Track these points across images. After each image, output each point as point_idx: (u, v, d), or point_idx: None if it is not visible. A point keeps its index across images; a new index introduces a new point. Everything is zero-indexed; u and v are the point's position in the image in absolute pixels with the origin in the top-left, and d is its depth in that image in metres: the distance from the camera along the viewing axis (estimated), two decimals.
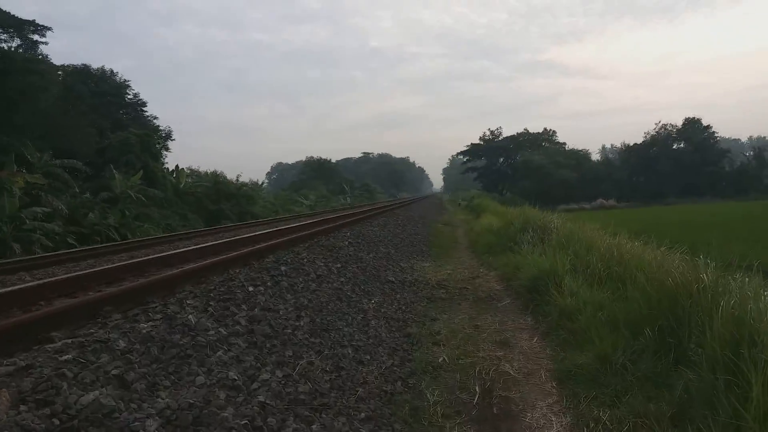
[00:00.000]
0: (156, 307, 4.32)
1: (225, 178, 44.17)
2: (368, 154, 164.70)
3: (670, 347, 4.56)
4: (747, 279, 4.71)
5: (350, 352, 5.09)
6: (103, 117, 38.09)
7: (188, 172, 44.15)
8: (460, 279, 10.51)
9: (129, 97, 42.35)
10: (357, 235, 11.76)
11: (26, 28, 29.41)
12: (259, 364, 3.97)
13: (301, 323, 5.12)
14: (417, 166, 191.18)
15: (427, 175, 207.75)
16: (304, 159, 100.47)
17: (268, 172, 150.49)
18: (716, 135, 74.50)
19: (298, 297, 5.75)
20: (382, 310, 6.95)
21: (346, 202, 62.39)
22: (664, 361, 4.49)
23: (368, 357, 5.18)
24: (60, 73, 37.80)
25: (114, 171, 30.88)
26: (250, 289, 5.32)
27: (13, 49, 26.96)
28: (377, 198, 76.55)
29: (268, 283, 5.73)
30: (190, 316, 4.16)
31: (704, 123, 73.78)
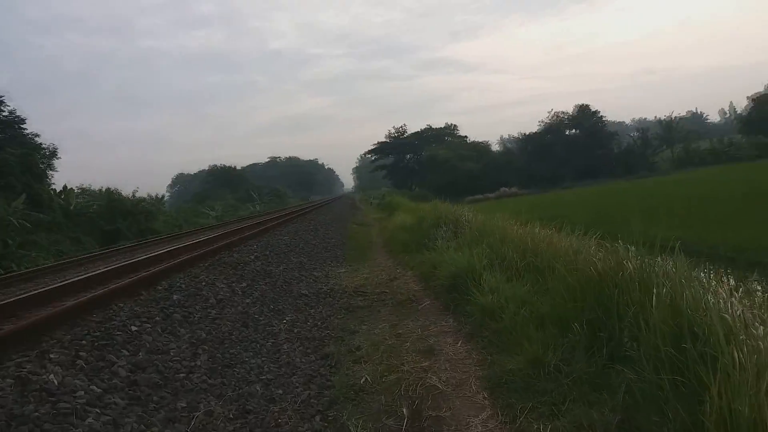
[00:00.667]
0: (9, 368, 3.48)
1: (120, 194, 41.36)
2: (276, 158, 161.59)
3: (603, 342, 4.28)
4: (672, 262, 4.52)
5: (259, 389, 4.45)
6: None
7: (79, 191, 41.00)
8: (378, 283, 10.04)
9: (4, 114, 38.59)
10: (265, 246, 11.01)
11: None
12: (143, 427, 3.26)
13: (198, 362, 4.43)
14: (327, 167, 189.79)
15: (337, 175, 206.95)
16: (207, 168, 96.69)
17: (169, 185, 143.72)
18: (604, 119, 79.10)
19: (194, 330, 5.03)
20: (296, 331, 6.33)
21: (256, 210, 60.52)
22: (597, 359, 4.20)
23: (280, 391, 4.56)
24: None
25: None
26: (134, 328, 4.54)
27: None
28: (288, 202, 74.92)
29: (157, 318, 4.96)
30: (51, 376, 3.37)
31: (593, 109, 78.19)
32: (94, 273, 8.11)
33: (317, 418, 4.28)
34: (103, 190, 42.67)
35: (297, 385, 4.83)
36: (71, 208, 37.49)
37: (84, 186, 41.66)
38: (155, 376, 3.87)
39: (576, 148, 73.03)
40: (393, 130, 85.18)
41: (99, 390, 3.44)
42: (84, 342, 4.05)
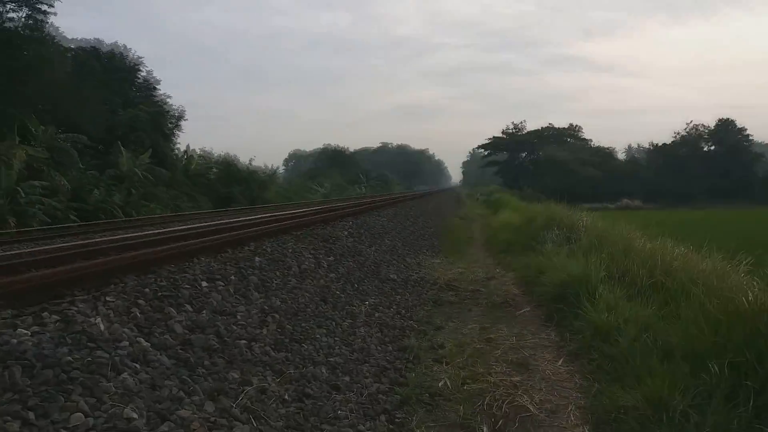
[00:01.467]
0: (61, 306, 3.21)
1: (236, 162, 43.28)
2: (386, 144, 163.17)
3: (750, 393, 3.35)
4: None
5: (324, 371, 3.95)
6: (114, 94, 37.28)
7: (200, 154, 43.37)
8: (472, 279, 9.32)
9: (142, 74, 41.54)
10: (361, 225, 10.61)
11: None
12: (182, 394, 2.84)
13: (265, 331, 4.00)
14: (435, 158, 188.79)
15: (446, 167, 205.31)
16: (321, 147, 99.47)
17: (286, 159, 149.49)
18: (750, 137, 71.99)
19: (269, 296, 4.63)
20: (376, 315, 5.80)
21: (361, 192, 61.32)
22: (741, 412, 3.28)
23: (347, 379, 4.04)
24: (72, 47, 37.11)
25: (122, 148, 30.06)
26: (204, 284, 4.20)
27: (21, 19, 25.91)
28: (393, 189, 75.34)
29: (232, 277, 4.61)
30: (98, 320, 3.05)
31: (738, 125, 71.37)
32: (190, 227, 8.10)
33: (382, 417, 3.71)
34: (222, 155, 44.89)
35: (367, 375, 4.28)
36: (191, 168, 39.80)
37: (205, 150, 44.03)
38: (213, 339, 3.48)
39: (713, 166, 67.25)
40: (511, 126, 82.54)
41: (146, 344, 3.08)
42: (147, 290, 3.75)
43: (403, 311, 6.38)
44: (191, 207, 32.89)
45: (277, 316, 4.32)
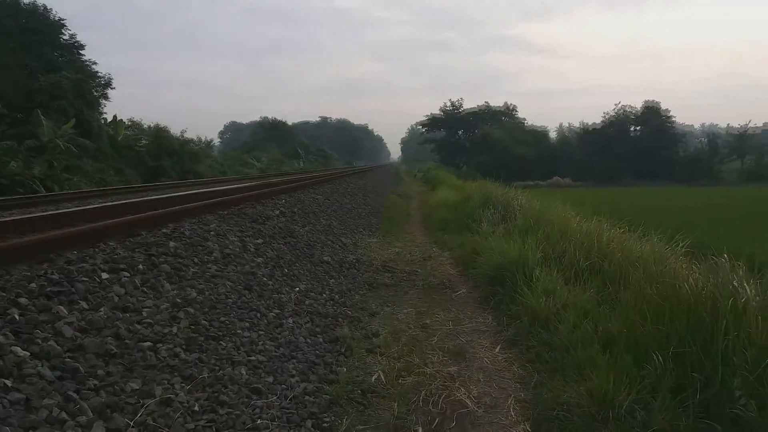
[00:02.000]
0: None
1: (168, 133, 41.31)
2: (326, 118, 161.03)
3: (697, 386, 3.21)
4: None
5: (244, 373, 3.55)
6: (33, 57, 34.58)
7: (129, 124, 41.11)
8: (409, 260, 9.07)
9: (64, 38, 38.64)
10: (295, 203, 10.13)
11: None
12: (64, 415, 2.39)
13: (175, 329, 3.54)
14: (376, 134, 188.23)
15: (385, 144, 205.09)
16: (258, 119, 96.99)
17: (221, 131, 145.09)
18: (673, 119, 75.41)
19: (183, 287, 4.15)
20: (307, 303, 5.41)
21: (299, 167, 60.27)
22: (689, 408, 3.14)
23: (270, 379, 3.65)
24: None
25: (42, 117, 27.92)
26: (104, 276, 3.68)
27: None
28: (333, 164, 74.51)
29: (141, 266, 4.09)
30: None
31: (662, 107, 74.61)
32: (105, 204, 7.43)
33: (309, 423, 3.36)
34: (152, 126, 42.79)
35: (294, 373, 3.91)
36: (119, 139, 37.72)
37: (134, 120, 41.84)
38: (111, 342, 3.01)
39: (638, 147, 70.16)
40: (449, 104, 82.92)
41: (23, 354, 2.59)
42: (33, 285, 3.21)
43: (337, 297, 6.02)
44: (118, 181, 31.20)
45: (191, 310, 3.86)
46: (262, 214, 7.85)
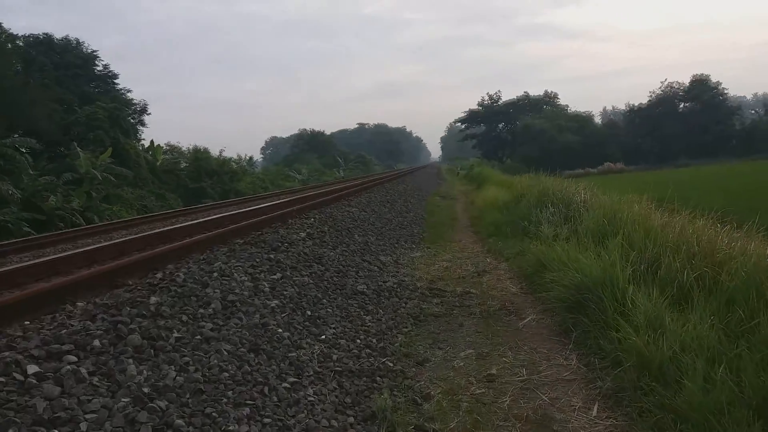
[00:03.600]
0: None
1: (207, 153, 41.22)
2: (364, 124, 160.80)
3: None
4: None
5: None
6: (69, 91, 34.89)
7: (167, 148, 41.19)
8: (460, 276, 7.80)
9: (98, 69, 39.02)
10: (326, 219, 8.99)
11: None
12: None
13: None
14: (414, 135, 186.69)
15: (425, 144, 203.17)
16: (297, 132, 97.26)
17: (263, 147, 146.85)
18: (725, 91, 71.39)
19: (156, 367, 3.01)
20: (335, 359, 4.21)
21: (339, 175, 59.68)
22: None
23: None
24: (19, 44, 34.57)
25: (78, 149, 27.88)
26: (31, 370, 2.56)
27: None
28: (373, 169, 73.65)
29: (96, 343, 2.97)
30: None
31: (712, 80, 70.74)
32: (102, 245, 6.51)
33: None
34: (191, 148, 42.81)
35: None
36: (158, 164, 37.75)
37: (172, 144, 41.92)
38: None
39: (690, 124, 66.76)
40: (486, 98, 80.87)
41: None
42: None
43: (374, 341, 4.80)
44: (159, 206, 31.12)
45: (162, 404, 2.72)
46: (285, 239, 6.73)
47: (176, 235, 7.06)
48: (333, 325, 4.84)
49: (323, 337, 4.50)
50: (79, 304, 3.59)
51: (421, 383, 4.15)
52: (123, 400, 2.61)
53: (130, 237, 6.86)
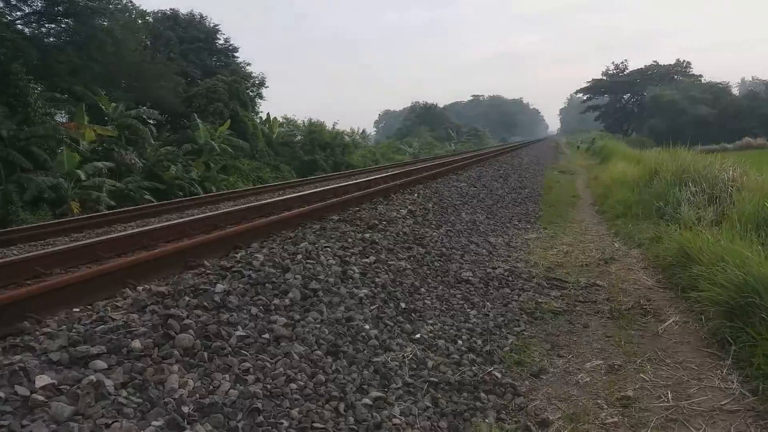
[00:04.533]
0: None
1: (321, 126, 41.76)
2: (478, 96, 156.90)
3: None
4: None
5: None
6: (192, 64, 36.55)
7: (283, 121, 42.22)
8: (584, 263, 6.77)
9: (219, 42, 40.52)
10: (431, 195, 8.27)
11: None
12: None
13: None
14: (531, 107, 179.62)
15: (542, 117, 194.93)
16: (409, 105, 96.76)
17: (376, 120, 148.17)
18: None
19: (206, 376, 2.47)
20: (430, 365, 3.50)
21: (451, 149, 58.47)
22: None
23: None
24: (149, 19, 36.59)
25: (198, 121, 29.10)
26: (58, 365, 2.10)
27: None
28: (486, 143, 71.54)
29: (135, 345, 2.47)
30: None
31: None
32: (174, 221, 6.27)
33: None
34: (306, 121, 43.64)
35: None
36: (274, 136, 38.81)
37: (289, 117, 42.93)
38: None
39: None
40: (612, 66, 75.33)
41: None
42: None
43: (479, 343, 4.03)
44: (274, 177, 32.03)
45: (203, 429, 2.16)
46: (384, 216, 6.10)
47: (272, 210, 6.66)
48: (431, 321, 4.13)
49: (417, 336, 3.81)
50: (141, 288, 3.17)
51: (537, 403, 3.34)
52: (153, 423, 2.07)
53: (223, 211, 6.54)
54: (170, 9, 37.87)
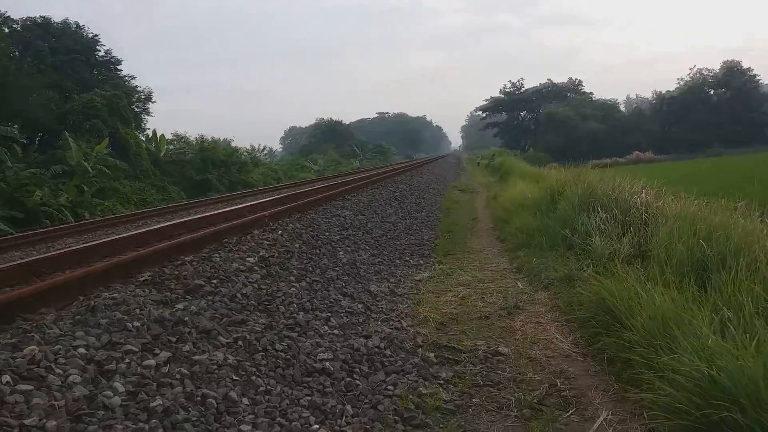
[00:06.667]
0: None
1: (214, 144, 39.06)
2: (384, 114, 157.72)
3: None
4: None
5: None
6: (67, 77, 32.87)
7: (173, 138, 39.15)
8: (484, 316, 5.43)
9: (100, 54, 36.92)
10: (302, 229, 6.68)
11: None
12: None
13: None
14: (435, 124, 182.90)
15: (445, 133, 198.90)
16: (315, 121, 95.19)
17: (282, 137, 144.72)
18: (758, 78, 67.79)
19: None
20: None
21: (355, 166, 57.40)
22: None
23: None
24: (15, 26, 32.66)
25: (70, 139, 25.81)
26: None
27: None
28: (392, 159, 71.21)
29: None
30: None
31: (744, 66, 67.55)
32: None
33: None
34: (197, 138, 40.76)
35: None
36: (161, 155, 35.68)
37: (179, 134, 39.89)
38: None
39: (721, 112, 63.59)
40: (509, 85, 77.78)
41: None
42: None
43: None
44: (160, 199, 29.20)
45: None
46: (217, 272, 4.42)
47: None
48: None
49: None
50: None
51: None
52: None
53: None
54: (41, 16, 34.00)
